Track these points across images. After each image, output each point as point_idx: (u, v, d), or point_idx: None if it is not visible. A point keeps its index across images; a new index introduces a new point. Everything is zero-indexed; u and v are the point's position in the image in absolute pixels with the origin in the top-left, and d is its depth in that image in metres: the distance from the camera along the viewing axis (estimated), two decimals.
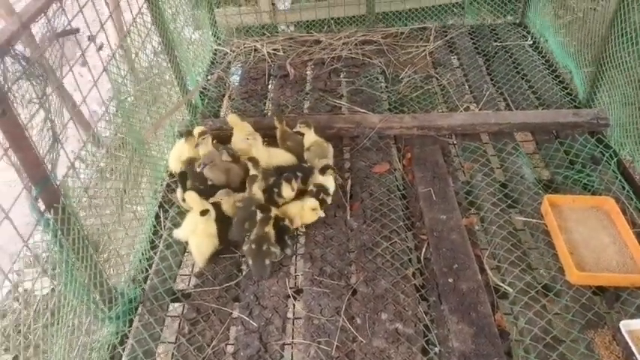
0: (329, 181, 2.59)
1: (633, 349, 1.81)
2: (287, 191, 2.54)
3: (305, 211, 2.48)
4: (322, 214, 2.50)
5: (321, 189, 2.52)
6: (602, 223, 2.42)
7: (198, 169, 2.58)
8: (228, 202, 2.51)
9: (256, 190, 2.50)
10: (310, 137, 2.84)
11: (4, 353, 2.60)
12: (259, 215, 2.35)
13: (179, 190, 2.64)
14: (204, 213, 2.33)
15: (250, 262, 2.31)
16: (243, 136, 2.80)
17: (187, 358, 2.02)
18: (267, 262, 2.30)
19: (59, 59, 1.87)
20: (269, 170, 2.69)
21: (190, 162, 2.69)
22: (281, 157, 2.82)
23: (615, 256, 2.26)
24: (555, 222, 2.35)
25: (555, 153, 2.85)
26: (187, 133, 2.79)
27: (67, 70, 1.91)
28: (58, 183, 1.78)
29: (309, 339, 2.04)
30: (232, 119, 2.94)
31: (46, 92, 1.72)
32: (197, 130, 2.82)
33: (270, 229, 2.33)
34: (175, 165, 2.81)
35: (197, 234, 2.34)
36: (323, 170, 2.57)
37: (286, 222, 2.44)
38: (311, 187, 2.56)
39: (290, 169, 2.67)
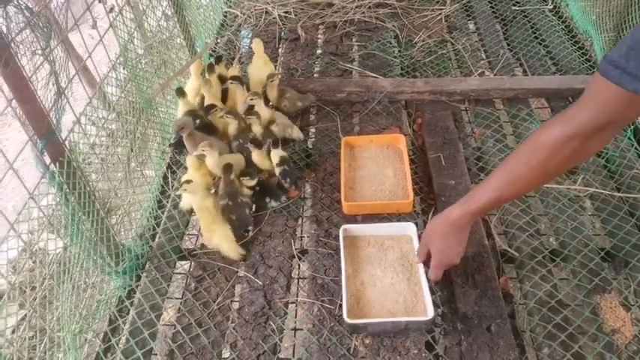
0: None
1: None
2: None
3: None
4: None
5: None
6: (390, 159, 2.54)
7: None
8: (213, 157, 2.40)
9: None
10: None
11: (19, 309, 2.68)
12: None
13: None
14: (187, 183, 2.21)
15: (233, 217, 2.27)
16: (247, 96, 2.70)
17: (193, 313, 2.06)
18: (247, 211, 2.33)
19: (65, 12, 1.85)
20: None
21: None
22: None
23: (391, 187, 2.39)
24: (346, 161, 2.49)
25: None
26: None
27: (73, 25, 1.89)
28: (63, 137, 1.78)
29: (312, 297, 2.06)
30: (257, 45, 2.99)
31: (50, 45, 1.70)
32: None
33: (235, 179, 2.35)
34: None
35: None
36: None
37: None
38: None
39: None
